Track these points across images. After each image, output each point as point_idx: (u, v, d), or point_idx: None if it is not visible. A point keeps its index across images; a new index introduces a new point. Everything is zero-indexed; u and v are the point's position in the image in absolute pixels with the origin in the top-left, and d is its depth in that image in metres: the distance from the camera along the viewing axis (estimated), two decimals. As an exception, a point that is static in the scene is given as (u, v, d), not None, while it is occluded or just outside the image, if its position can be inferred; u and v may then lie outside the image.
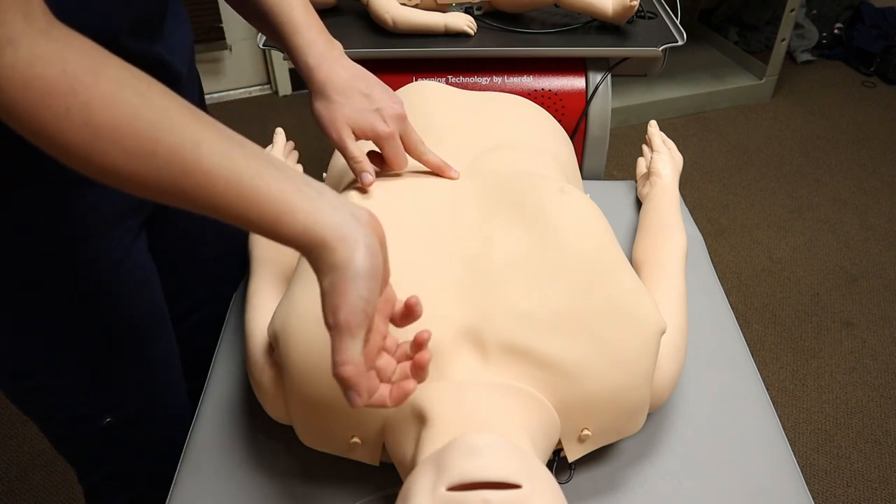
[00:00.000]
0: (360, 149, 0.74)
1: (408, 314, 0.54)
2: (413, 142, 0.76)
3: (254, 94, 2.87)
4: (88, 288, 0.74)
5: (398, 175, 0.78)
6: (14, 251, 0.68)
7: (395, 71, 1.22)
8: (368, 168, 0.74)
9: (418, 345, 0.52)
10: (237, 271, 1.02)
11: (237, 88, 2.87)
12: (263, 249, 0.89)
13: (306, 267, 0.71)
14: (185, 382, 0.93)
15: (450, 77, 1.25)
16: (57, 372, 0.76)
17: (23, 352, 0.73)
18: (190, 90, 0.83)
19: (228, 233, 1.01)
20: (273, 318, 0.72)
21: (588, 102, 1.24)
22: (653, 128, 1.12)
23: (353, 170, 0.74)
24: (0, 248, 0.67)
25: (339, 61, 0.75)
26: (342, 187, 0.86)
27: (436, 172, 0.78)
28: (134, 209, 0.77)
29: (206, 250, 0.98)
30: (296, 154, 1.17)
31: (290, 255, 0.90)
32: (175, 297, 0.92)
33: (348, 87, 0.73)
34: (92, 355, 0.78)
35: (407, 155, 0.77)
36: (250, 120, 2.72)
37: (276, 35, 0.76)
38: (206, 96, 0.91)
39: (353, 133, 0.73)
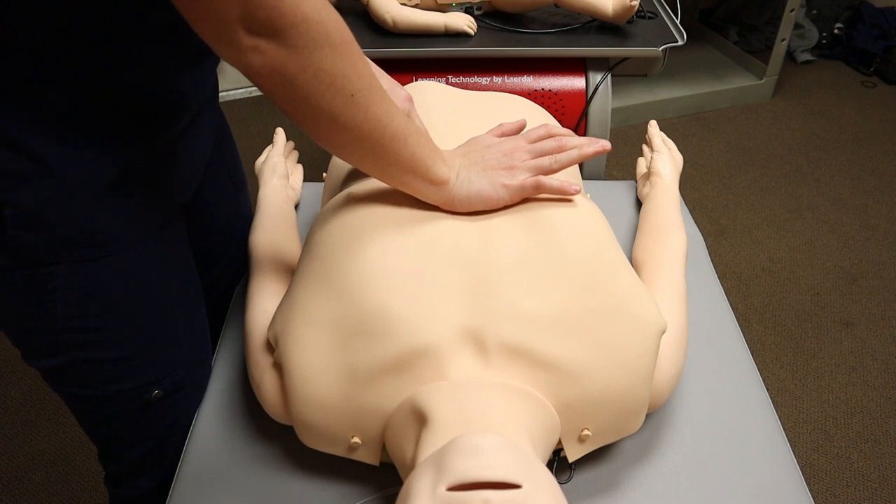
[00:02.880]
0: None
1: None
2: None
3: (254, 94, 2.87)
4: (157, 252, 0.77)
5: None
6: (105, 211, 0.70)
7: (395, 71, 1.22)
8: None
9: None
10: (245, 251, 1.03)
11: (237, 88, 2.87)
12: (264, 250, 0.90)
13: (306, 267, 0.71)
14: None
15: (450, 77, 1.25)
16: (126, 342, 0.77)
17: (91, 322, 0.74)
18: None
19: (237, 214, 1.03)
20: (273, 319, 0.72)
21: (588, 102, 1.24)
22: (653, 128, 1.12)
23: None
24: (93, 208, 0.69)
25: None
26: (342, 186, 0.86)
27: None
28: (194, 170, 0.83)
29: (222, 223, 1.00)
30: (296, 154, 1.17)
31: (290, 255, 0.90)
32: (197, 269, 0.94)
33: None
34: (155, 322, 0.79)
35: None
36: (251, 120, 2.72)
37: None
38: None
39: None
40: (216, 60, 0.82)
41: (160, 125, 0.72)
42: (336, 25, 0.57)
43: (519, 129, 0.78)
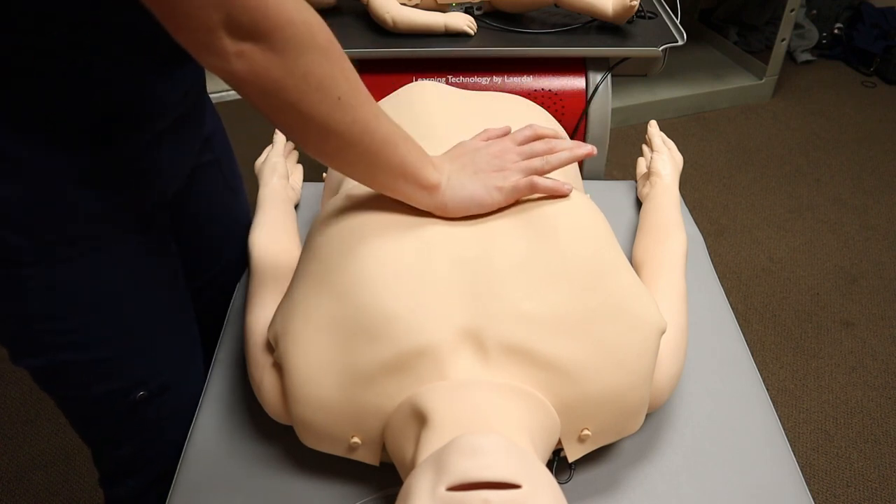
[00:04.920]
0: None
1: None
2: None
3: (254, 94, 2.87)
4: (136, 253, 0.77)
5: None
6: (79, 211, 0.70)
7: (395, 71, 1.22)
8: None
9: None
10: (241, 255, 1.02)
11: (237, 88, 2.86)
12: (264, 250, 0.90)
13: (306, 267, 0.71)
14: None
15: (450, 77, 1.25)
16: (105, 343, 0.77)
17: (68, 324, 0.74)
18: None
19: (233, 218, 1.03)
20: (273, 319, 0.72)
21: (588, 102, 1.24)
22: (653, 128, 1.12)
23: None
24: (66, 208, 0.69)
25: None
26: (342, 186, 0.86)
27: None
28: (175, 171, 0.82)
29: (216, 227, 0.99)
30: (296, 154, 1.17)
31: (290, 256, 0.90)
32: (189, 272, 0.94)
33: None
34: (136, 324, 0.79)
35: None
36: (250, 120, 2.71)
37: None
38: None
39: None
40: (194, 67, 0.82)
41: (131, 129, 0.71)
42: (320, 27, 0.56)
43: (504, 133, 0.77)
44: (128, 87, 0.69)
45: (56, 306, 0.72)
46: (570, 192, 0.72)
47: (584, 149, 0.74)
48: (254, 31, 0.52)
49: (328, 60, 0.57)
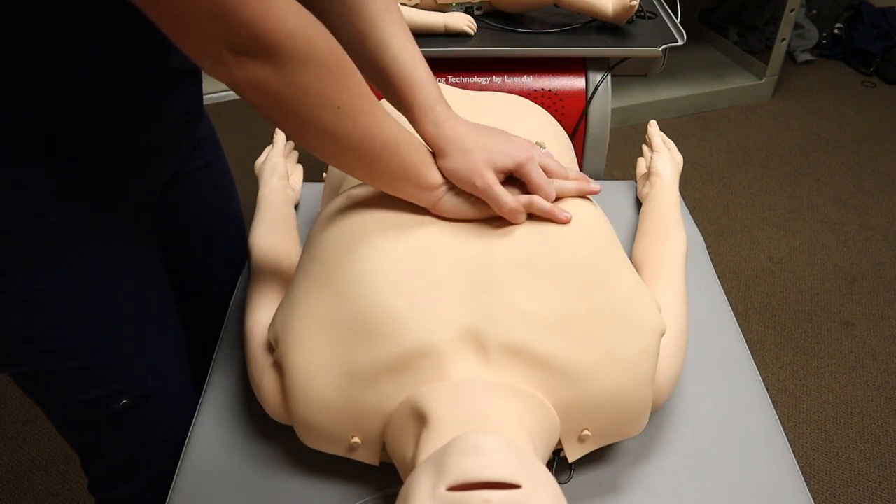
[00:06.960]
0: (511, 195, 0.70)
1: None
2: (552, 169, 0.74)
3: (254, 94, 2.86)
4: (118, 260, 0.76)
5: None
6: (61, 221, 0.69)
7: (395, 71, 1.22)
8: (523, 220, 0.71)
9: None
10: (237, 254, 1.02)
11: (237, 88, 2.86)
12: (264, 250, 0.90)
13: (307, 267, 0.71)
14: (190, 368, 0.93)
15: (450, 77, 1.25)
16: (86, 351, 0.77)
17: (49, 332, 0.74)
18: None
19: (224, 222, 1.02)
20: (273, 319, 0.72)
21: (588, 102, 1.24)
22: (653, 128, 1.12)
23: (507, 219, 0.71)
24: (46, 218, 0.68)
25: (458, 117, 0.74)
26: (342, 186, 0.86)
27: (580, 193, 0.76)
28: (159, 181, 0.82)
29: (206, 232, 0.99)
30: (296, 154, 1.17)
31: (290, 256, 0.90)
32: (179, 277, 0.93)
33: (476, 136, 0.71)
34: (118, 332, 0.78)
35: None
36: (250, 120, 2.72)
37: (394, 91, 0.73)
38: (207, 96, 0.92)
39: (496, 173, 0.70)
40: (192, 87, 0.82)
41: (120, 143, 0.71)
42: (322, 39, 0.57)
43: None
44: (120, 103, 0.70)
45: (35, 316, 0.72)
46: (569, 219, 0.71)
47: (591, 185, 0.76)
48: (254, 47, 0.53)
49: (329, 72, 0.57)
